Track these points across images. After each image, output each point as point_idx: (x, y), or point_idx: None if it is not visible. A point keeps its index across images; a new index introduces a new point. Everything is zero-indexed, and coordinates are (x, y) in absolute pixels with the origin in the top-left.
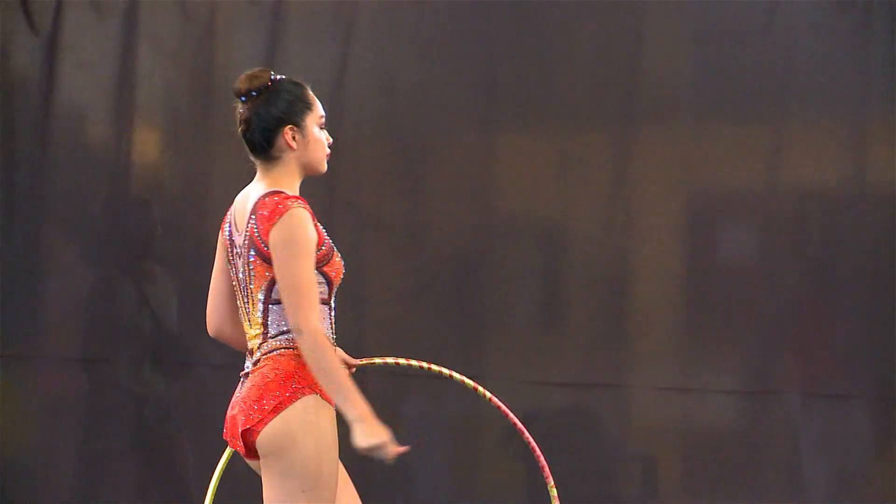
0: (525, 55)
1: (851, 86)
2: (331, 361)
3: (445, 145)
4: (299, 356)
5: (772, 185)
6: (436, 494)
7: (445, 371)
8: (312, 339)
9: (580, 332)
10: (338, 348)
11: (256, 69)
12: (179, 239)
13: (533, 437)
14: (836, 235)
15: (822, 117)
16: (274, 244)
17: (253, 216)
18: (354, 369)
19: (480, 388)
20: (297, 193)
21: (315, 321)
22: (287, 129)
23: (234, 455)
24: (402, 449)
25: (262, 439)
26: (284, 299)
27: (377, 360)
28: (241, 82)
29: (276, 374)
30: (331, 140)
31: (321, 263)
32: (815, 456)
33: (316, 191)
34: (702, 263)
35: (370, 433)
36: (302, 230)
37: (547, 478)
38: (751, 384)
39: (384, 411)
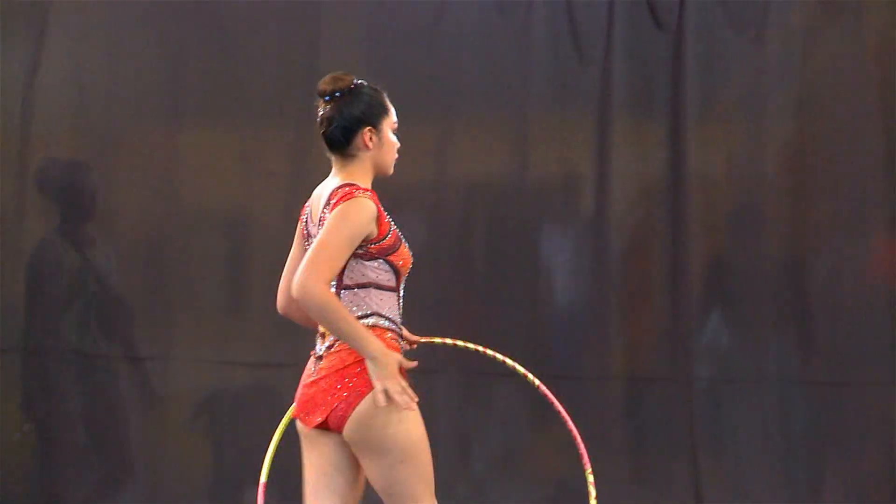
0: (209, 55)
1: (514, 84)
2: (339, 309)
3: (134, 139)
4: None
5: (440, 179)
6: (126, 472)
7: (499, 356)
8: (320, 296)
9: (262, 315)
10: (402, 327)
11: (340, 72)
12: None
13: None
14: (500, 225)
15: (486, 114)
16: (330, 216)
17: (326, 207)
18: (416, 346)
19: (530, 376)
20: (368, 187)
21: (323, 283)
22: (366, 129)
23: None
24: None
25: (351, 426)
26: (308, 253)
27: (437, 340)
28: (325, 83)
29: (355, 358)
30: (398, 145)
31: (387, 253)
32: (481, 432)
33: (7, 183)
34: None
35: (386, 367)
36: (358, 215)
37: (585, 465)
38: (422, 365)
39: (76, 392)
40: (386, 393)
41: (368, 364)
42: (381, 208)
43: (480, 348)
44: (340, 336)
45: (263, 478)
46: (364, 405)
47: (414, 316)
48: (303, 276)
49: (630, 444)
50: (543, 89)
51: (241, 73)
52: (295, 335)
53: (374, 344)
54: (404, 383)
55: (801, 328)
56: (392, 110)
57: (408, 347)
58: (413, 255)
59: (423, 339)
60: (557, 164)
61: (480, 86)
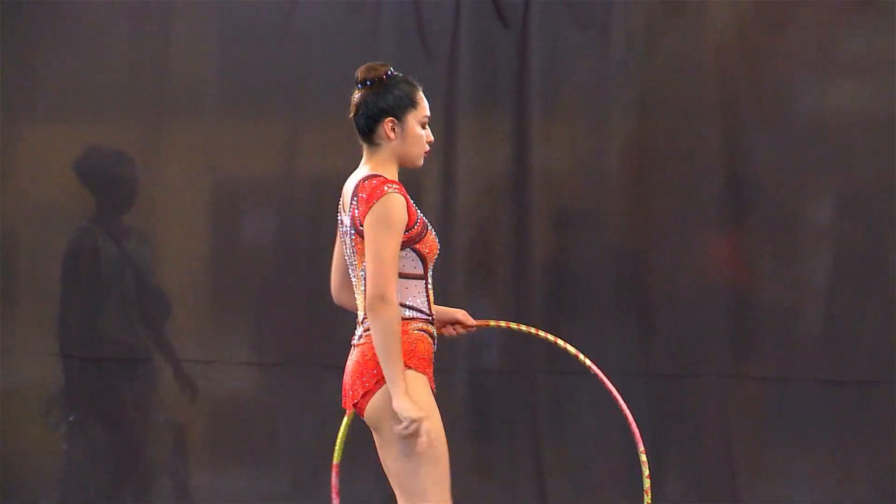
0: (62, 52)
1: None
2: (397, 338)
3: None
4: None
5: (288, 174)
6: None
7: (550, 337)
8: (392, 309)
9: (112, 310)
10: (459, 309)
11: (377, 62)
12: None
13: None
14: (303, 219)
15: (335, 111)
16: (369, 222)
17: (354, 199)
18: (474, 329)
19: (581, 356)
20: (395, 179)
21: (395, 292)
22: (388, 120)
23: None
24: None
25: (368, 412)
26: (368, 267)
27: (492, 323)
28: (360, 71)
29: (373, 353)
30: (431, 139)
31: (414, 241)
32: (298, 425)
33: None
34: (225, 245)
35: (411, 408)
36: (395, 212)
37: (638, 442)
38: (267, 357)
39: None
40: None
41: (395, 400)
42: (409, 197)
43: (533, 330)
44: (380, 355)
45: (336, 459)
46: (377, 398)
47: (264, 306)
48: (380, 290)
49: (474, 438)
50: None
51: (93, 70)
52: (146, 328)
53: (402, 385)
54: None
55: (642, 321)
56: (422, 104)
57: (462, 331)
58: (439, 242)
59: (479, 323)
60: None
61: (329, 83)
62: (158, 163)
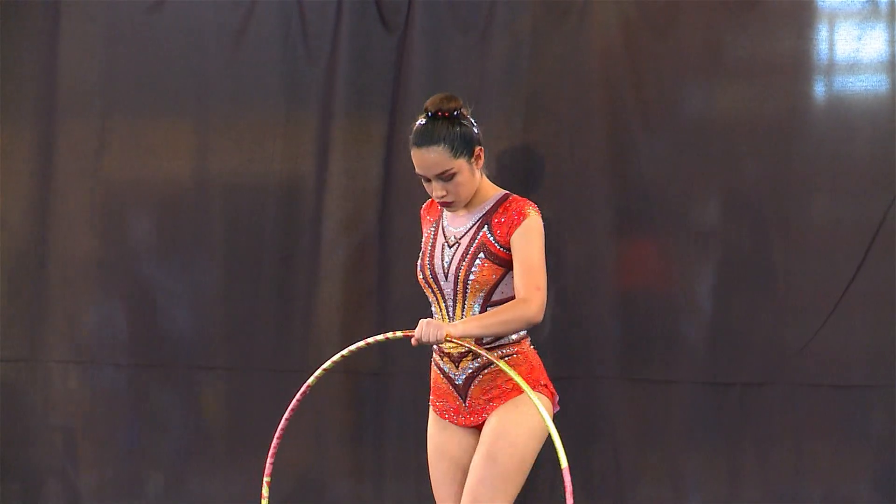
0: None
1: (244, 82)
2: None
3: None
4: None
5: (168, 177)
6: None
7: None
8: None
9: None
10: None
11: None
12: None
13: None
14: (231, 221)
15: (215, 113)
16: None
17: None
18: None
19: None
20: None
21: None
22: None
23: None
24: None
25: None
26: None
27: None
28: None
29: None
30: (437, 193)
31: None
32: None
33: None
34: (112, 245)
35: None
36: None
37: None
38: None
39: None
40: None
41: None
42: (426, 220)
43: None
44: None
45: (564, 463)
46: None
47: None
48: None
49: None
50: (271, 87)
51: None
52: (32, 329)
53: None
54: None
55: None
56: (415, 161)
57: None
58: (420, 268)
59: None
60: (282, 163)
61: (208, 84)
62: (47, 164)
